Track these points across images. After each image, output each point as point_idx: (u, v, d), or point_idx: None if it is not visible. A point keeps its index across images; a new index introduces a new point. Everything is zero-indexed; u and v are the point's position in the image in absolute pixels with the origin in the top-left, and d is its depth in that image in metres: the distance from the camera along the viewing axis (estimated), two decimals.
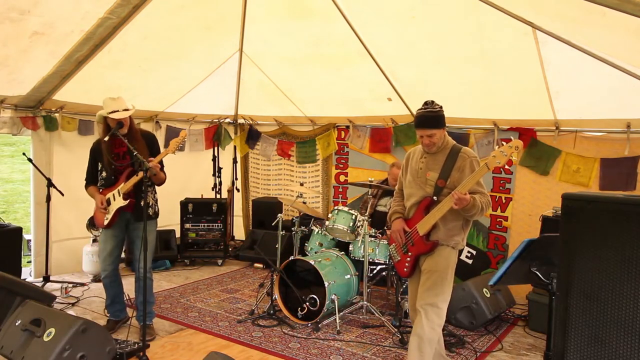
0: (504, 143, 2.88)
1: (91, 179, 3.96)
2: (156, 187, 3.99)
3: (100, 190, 3.89)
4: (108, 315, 4.06)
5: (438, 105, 3.04)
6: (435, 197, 3.02)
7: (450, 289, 3.06)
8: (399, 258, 3.20)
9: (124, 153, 3.83)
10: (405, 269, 3.16)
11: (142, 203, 3.53)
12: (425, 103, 3.06)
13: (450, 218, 3.01)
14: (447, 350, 3.85)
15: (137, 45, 4.66)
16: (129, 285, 4.39)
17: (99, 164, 3.89)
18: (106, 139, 3.69)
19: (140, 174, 3.59)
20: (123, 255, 5.78)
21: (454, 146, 3.10)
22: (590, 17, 3.00)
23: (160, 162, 3.82)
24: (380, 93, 5.41)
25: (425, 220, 3.03)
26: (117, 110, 3.68)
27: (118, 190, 3.81)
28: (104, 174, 3.86)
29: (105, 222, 3.84)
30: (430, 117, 3.00)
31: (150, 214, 3.89)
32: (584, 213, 1.75)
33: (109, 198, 3.83)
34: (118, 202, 3.80)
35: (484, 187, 3.01)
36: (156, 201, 4.04)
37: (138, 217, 3.77)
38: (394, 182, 4.98)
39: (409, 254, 3.12)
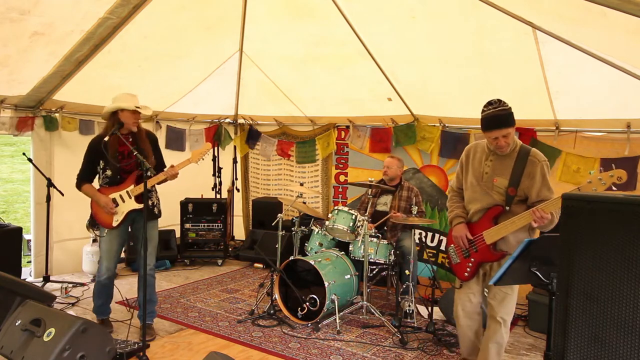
0: (613, 167, 2.60)
1: (87, 177, 3.86)
2: (156, 186, 3.97)
3: (100, 188, 3.84)
4: (99, 318, 4.00)
5: (506, 103, 2.88)
6: (507, 207, 2.92)
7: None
8: (459, 261, 3.14)
9: (129, 152, 3.74)
10: (466, 274, 3.10)
11: (143, 202, 3.52)
12: (490, 103, 2.89)
13: (520, 229, 2.91)
14: (447, 350, 3.86)
15: (137, 45, 4.66)
16: (128, 285, 4.41)
17: (101, 162, 3.81)
18: (106, 138, 3.62)
19: (162, 175, 3.73)
20: (123, 255, 5.85)
21: (522, 148, 2.95)
22: (590, 17, 3.00)
23: (163, 163, 3.88)
24: (380, 93, 5.41)
25: (495, 230, 2.94)
26: (139, 106, 3.72)
27: (127, 192, 3.78)
28: (108, 172, 3.80)
29: (115, 224, 3.79)
30: (504, 116, 2.83)
31: (156, 212, 3.97)
32: (584, 213, 1.74)
33: (114, 199, 3.79)
34: (130, 204, 3.78)
35: (553, 192, 2.89)
36: (158, 200, 4.06)
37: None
38: (387, 169, 5.00)
39: (471, 259, 3.05)
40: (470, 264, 3.07)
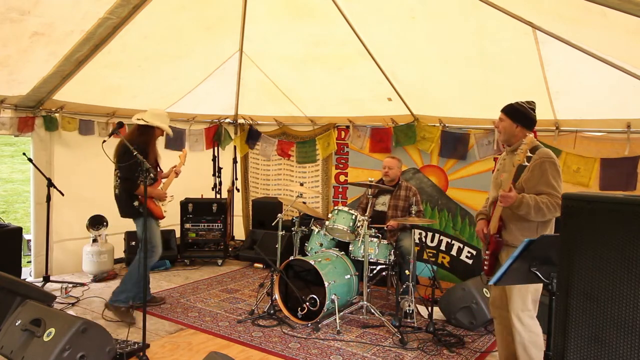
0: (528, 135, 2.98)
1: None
2: None
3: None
4: (133, 304, 4.16)
5: (532, 105, 3.13)
6: None
7: (535, 287, 3.05)
8: (484, 256, 3.28)
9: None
10: (485, 266, 3.22)
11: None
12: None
13: (521, 218, 3.00)
14: (447, 350, 3.86)
15: (137, 45, 4.66)
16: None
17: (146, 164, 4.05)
18: (106, 138, 3.78)
19: (173, 175, 4.65)
20: (123, 255, 5.85)
21: (534, 147, 3.08)
22: (590, 17, 3.00)
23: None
24: (380, 93, 5.41)
25: (492, 218, 3.12)
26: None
27: (160, 188, 4.49)
28: (151, 174, 4.15)
29: (165, 214, 4.47)
30: (510, 106, 3.14)
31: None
32: (584, 213, 1.75)
33: None
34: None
35: (556, 189, 2.94)
36: None
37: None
38: (388, 170, 5.08)
39: (487, 252, 3.19)
40: (487, 257, 3.20)
